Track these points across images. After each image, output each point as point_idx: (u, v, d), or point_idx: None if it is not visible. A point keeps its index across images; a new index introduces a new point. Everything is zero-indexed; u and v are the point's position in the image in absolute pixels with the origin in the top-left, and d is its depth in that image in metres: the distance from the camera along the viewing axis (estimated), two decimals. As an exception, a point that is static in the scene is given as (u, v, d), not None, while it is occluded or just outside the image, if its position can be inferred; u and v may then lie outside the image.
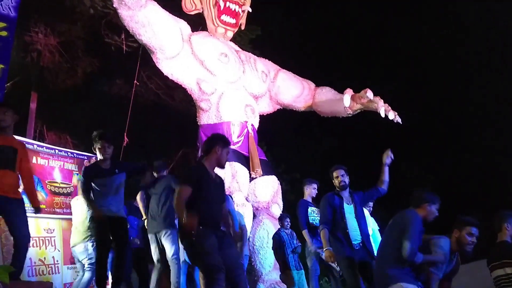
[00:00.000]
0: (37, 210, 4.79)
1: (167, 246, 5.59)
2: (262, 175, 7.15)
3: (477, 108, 15.64)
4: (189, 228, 3.70)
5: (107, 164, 5.15)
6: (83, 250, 5.94)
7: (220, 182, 4.26)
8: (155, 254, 5.70)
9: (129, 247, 5.59)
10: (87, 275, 5.91)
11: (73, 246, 6.05)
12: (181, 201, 3.84)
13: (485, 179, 15.17)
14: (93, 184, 5.01)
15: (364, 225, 5.19)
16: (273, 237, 6.29)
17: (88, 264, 5.90)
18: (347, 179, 5.20)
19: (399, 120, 7.41)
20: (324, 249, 4.97)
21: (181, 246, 5.32)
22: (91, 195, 5.00)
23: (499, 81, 14.65)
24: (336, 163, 5.36)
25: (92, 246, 5.85)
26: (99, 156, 5.16)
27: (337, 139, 15.60)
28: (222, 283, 3.73)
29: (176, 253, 5.60)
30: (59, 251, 6.86)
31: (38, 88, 10.94)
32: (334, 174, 5.20)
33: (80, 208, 5.98)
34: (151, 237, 5.74)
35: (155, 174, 6.13)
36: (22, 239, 4.26)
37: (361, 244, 4.94)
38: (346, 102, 7.44)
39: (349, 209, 5.18)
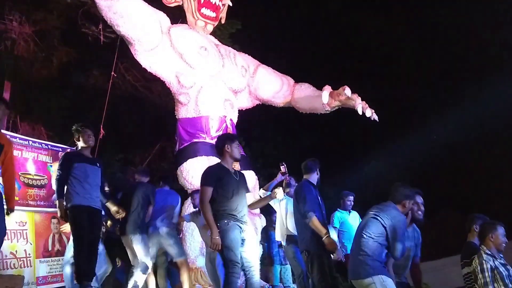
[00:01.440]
0: (11, 211, 4.62)
1: (136, 249, 5.69)
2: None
3: (450, 106, 15.95)
4: (215, 244, 4.22)
5: (89, 154, 5.15)
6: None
7: (240, 177, 4.60)
8: (130, 255, 5.78)
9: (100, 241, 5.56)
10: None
11: None
12: (206, 202, 4.33)
13: (459, 178, 15.54)
14: (73, 170, 4.91)
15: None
16: (261, 232, 6.36)
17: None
18: None
19: (376, 117, 7.50)
20: (325, 236, 4.84)
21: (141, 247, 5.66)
22: (66, 187, 4.89)
23: (477, 79, 14.95)
24: (313, 159, 5.42)
25: None
26: (83, 144, 5.11)
27: (315, 135, 15.71)
28: (237, 276, 4.17)
29: (146, 254, 5.67)
30: (31, 244, 6.73)
31: (12, 77, 10.67)
32: (318, 168, 5.31)
33: None
34: (123, 239, 5.80)
35: (136, 177, 6.19)
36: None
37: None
38: (324, 99, 7.48)
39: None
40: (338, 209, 6.99)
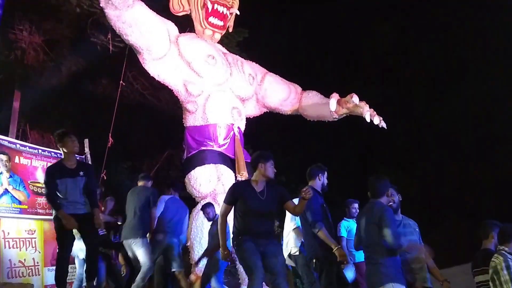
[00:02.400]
0: None
1: (137, 253, 5.74)
2: (248, 178, 7.14)
3: (461, 114, 15.86)
4: (224, 255, 4.51)
5: (72, 163, 5.07)
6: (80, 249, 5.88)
7: (269, 194, 4.51)
8: (133, 260, 5.80)
9: (99, 242, 5.58)
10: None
11: None
12: (221, 217, 4.52)
13: (467, 186, 15.40)
14: (56, 186, 4.91)
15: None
16: None
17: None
18: None
19: (384, 125, 7.47)
20: (335, 248, 4.77)
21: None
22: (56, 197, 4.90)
23: (484, 88, 14.87)
24: (318, 165, 5.38)
25: None
26: (67, 151, 5.05)
27: (323, 142, 15.68)
28: (259, 281, 4.19)
29: (148, 259, 5.71)
30: (39, 252, 6.76)
31: (22, 86, 10.79)
32: (326, 175, 5.27)
33: None
34: (125, 243, 5.82)
35: (138, 183, 6.22)
36: None
37: None
38: (332, 107, 7.47)
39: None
40: (344, 217, 6.95)
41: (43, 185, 5.78)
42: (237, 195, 4.49)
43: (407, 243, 4.32)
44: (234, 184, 4.74)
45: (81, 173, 5.07)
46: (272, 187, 4.62)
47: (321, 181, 5.22)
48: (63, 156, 5.13)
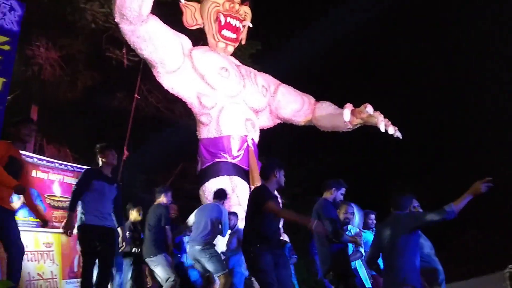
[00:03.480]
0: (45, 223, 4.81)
1: (156, 271, 5.80)
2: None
3: (476, 124, 15.68)
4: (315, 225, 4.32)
5: (108, 173, 5.22)
6: None
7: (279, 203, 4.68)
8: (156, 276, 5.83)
9: (114, 259, 5.61)
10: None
11: None
12: (279, 210, 4.51)
13: (484, 195, 15.15)
14: (91, 187, 4.97)
15: None
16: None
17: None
18: None
19: (399, 135, 7.42)
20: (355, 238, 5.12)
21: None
22: (80, 201, 4.94)
23: (501, 97, 14.71)
24: (336, 178, 5.36)
25: None
26: (106, 163, 5.20)
27: (338, 153, 15.60)
28: None
29: (168, 273, 5.72)
30: (57, 265, 6.80)
31: (39, 101, 10.95)
32: (341, 190, 5.22)
33: None
34: (146, 261, 5.86)
35: (157, 199, 6.22)
36: (20, 252, 4.25)
37: None
38: (346, 117, 7.46)
39: None
40: (362, 229, 6.88)
41: (61, 198, 5.86)
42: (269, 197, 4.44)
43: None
44: (262, 187, 4.65)
45: (115, 185, 5.24)
46: (275, 196, 4.68)
47: (332, 195, 5.19)
48: (100, 165, 5.25)
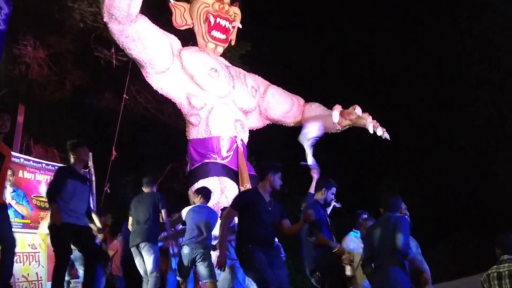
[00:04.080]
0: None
1: (146, 258, 5.70)
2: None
3: (463, 125, 15.83)
4: (220, 263, 4.33)
5: (80, 170, 5.20)
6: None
7: (274, 207, 4.54)
8: (140, 267, 5.76)
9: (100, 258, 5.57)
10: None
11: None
12: (224, 222, 4.41)
13: (471, 195, 15.31)
14: (63, 186, 4.87)
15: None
16: None
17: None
18: None
19: (387, 136, 7.46)
20: (337, 248, 4.86)
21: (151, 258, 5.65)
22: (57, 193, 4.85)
23: (492, 97, 14.87)
24: (326, 179, 5.38)
25: None
26: (77, 162, 5.15)
27: (326, 154, 15.65)
28: None
29: (155, 267, 5.66)
30: (43, 267, 6.70)
31: (26, 101, 10.84)
32: (331, 190, 5.21)
33: None
34: (133, 250, 5.78)
35: (143, 189, 6.19)
36: (11, 245, 4.21)
37: None
38: (335, 118, 7.48)
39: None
40: (353, 229, 6.90)
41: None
42: (246, 201, 4.46)
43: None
44: (244, 191, 4.71)
45: (88, 182, 5.23)
46: (275, 200, 4.62)
47: (324, 195, 5.20)
48: (73, 162, 5.18)
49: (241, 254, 4.33)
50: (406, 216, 4.73)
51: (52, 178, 5.23)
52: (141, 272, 5.80)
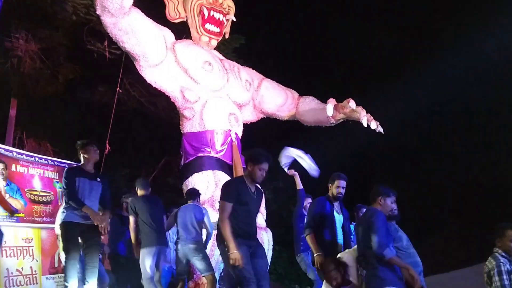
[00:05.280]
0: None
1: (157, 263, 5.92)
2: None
3: (453, 120, 15.93)
4: (234, 259, 4.11)
5: (91, 169, 5.24)
6: None
7: (258, 195, 4.53)
8: (151, 268, 5.81)
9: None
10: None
11: None
12: (225, 218, 4.22)
13: (461, 191, 15.44)
14: (76, 181, 5.02)
15: (348, 239, 5.24)
16: None
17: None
18: (343, 192, 5.28)
19: (381, 130, 7.48)
20: (316, 254, 4.90)
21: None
22: (64, 200, 5.01)
23: (475, 95, 14.96)
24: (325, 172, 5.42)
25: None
26: (86, 161, 5.25)
27: (320, 147, 15.68)
28: None
29: (145, 270, 5.79)
30: (37, 261, 6.70)
31: (18, 94, 10.77)
32: (336, 183, 5.23)
33: None
34: (150, 250, 5.79)
35: (140, 191, 6.21)
36: None
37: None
38: (329, 112, 7.48)
39: (338, 218, 5.24)
40: (353, 222, 6.95)
41: (41, 193, 5.83)
42: (237, 192, 4.36)
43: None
44: (231, 180, 4.63)
45: (98, 179, 5.26)
46: (259, 192, 4.61)
47: (331, 190, 5.26)
48: (82, 162, 5.29)
49: (224, 247, 4.26)
50: (394, 210, 4.59)
51: (63, 182, 5.26)
52: (150, 271, 5.82)
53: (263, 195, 4.73)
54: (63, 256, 5.52)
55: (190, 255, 5.87)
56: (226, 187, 4.51)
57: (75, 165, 5.78)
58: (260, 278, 4.27)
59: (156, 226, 5.89)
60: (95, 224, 5.03)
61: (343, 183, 5.28)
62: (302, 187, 6.87)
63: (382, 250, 3.94)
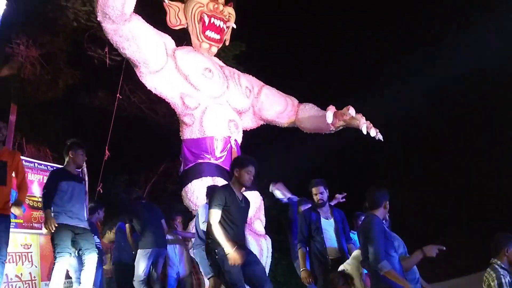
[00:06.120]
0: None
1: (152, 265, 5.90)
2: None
3: (458, 126, 15.93)
4: (234, 259, 4.05)
5: (74, 171, 5.21)
6: None
7: (246, 203, 4.51)
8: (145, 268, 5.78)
9: (99, 264, 5.64)
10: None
11: None
12: (215, 224, 4.17)
13: (465, 198, 15.41)
14: (59, 188, 4.95)
15: (343, 242, 5.20)
16: None
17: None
18: (326, 196, 5.26)
19: (381, 137, 7.49)
20: (301, 269, 4.93)
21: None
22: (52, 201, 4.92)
23: (480, 99, 14.97)
24: (317, 178, 5.40)
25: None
26: (72, 163, 5.19)
27: (320, 155, 15.70)
28: None
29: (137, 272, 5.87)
30: (36, 267, 6.69)
31: (18, 100, 10.78)
32: (313, 191, 5.22)
33: None
34: (146, 252, 5.78)
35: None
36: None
37: (337, 260, 4.95)
38: (328, 119, 7.49)
39: (327, 224, 5.22)
40: (352, 230, 6.93)
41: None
42: (224, 199, 4.32)
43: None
44: (217, 187, 4.60)
45: (83, 182, 5.36)
46: (246, 199, 4.58)
47: (316, 196, 5.23)
48: (66, 164, 5.24)
49: (213, 255, 4.22)
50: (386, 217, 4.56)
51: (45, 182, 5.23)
52: (143, 274, 5.86)
53: (250, 205, 4.67)
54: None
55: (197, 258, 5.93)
56: (213, 194, 4.51)
57: (58, 168, 5.70)
58: (263, 284, 4.26)
59: (153, 229, 5.89)
60: (86, 228, 5.07)
61: (320, 188, 5.25)
62: (289, 195, 6.86)
63: (378, 263, 3.81)
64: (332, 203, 6.55)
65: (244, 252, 4.24)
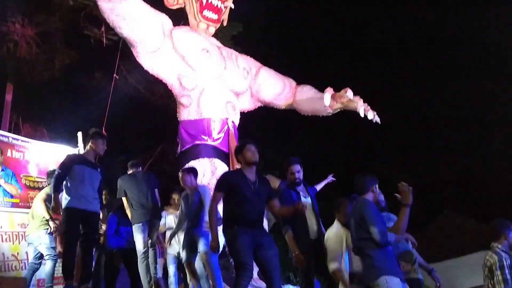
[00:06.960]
0: None
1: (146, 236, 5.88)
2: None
3: (452, 110, 15.94)
4: (214, 248, 4.39)
5: (92, 159, 5.32)
6: (36, 237, 5.90)
7: (260, 184, 4.48)
8: (142, 242, 5.79)
9: (96, 244, 5.73)
10: (49, 264, 5.87)
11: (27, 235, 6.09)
12: (212, 206, 4.40)
13: (458, 179, 15.52)
14: (72, 172, 5.04)
15: (320, 221, 5.22)
16: None
17: (47, 253, 5.85)
18: (301, 175, 5.23)
19: (378, 119, 7.49)
20: (295, 253, 4.90)
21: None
22: (63, 185, 5.01)
23: (478, 84, 14.96)
24: (314, 161, 5.40)
25: (46, 233, 5.83)
26: (91, 151, 5.32)
27: (317, 136, 15.72)
28: (247, 280, 4.11)
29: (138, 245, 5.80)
30: (33, 246, 6.72)
31: (14, 79, 10.71)
32: (290, 170, 5.20)
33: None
34: (140, 226, 5.79)
35: (129, 171, 6.24)
36: None
37: (316, 240, 4.98)
38: (326, 101, 7.48)
39: (309, 202, 5.21)
40: None
41: (37, 179, 5.86)
42: (230, 183, 4.42)
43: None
44: (225, 172, 4.68)
45: (99, 170, 5.34)
46: (262, 182, 4.55)
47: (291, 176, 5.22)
48: (85, 151, 5.41)
49: (227, 234, 4.34)
50: (382, 198, 4.57)
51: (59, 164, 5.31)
52: (142, 247, 5.82)
53: (268, 187, 4.59)
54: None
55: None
56: (219, 178, 4.64)
57: (75, 154, 5.79)
58: (271, 269, 4.25)
59: (144, 201, 5.88)
60: (96, 212, 5.15)
61: (296, 167, 5.22)
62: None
63: (387, 238, 3.92)
64: (324, 183, 6.57)
65: (258, 233, 4.34)
